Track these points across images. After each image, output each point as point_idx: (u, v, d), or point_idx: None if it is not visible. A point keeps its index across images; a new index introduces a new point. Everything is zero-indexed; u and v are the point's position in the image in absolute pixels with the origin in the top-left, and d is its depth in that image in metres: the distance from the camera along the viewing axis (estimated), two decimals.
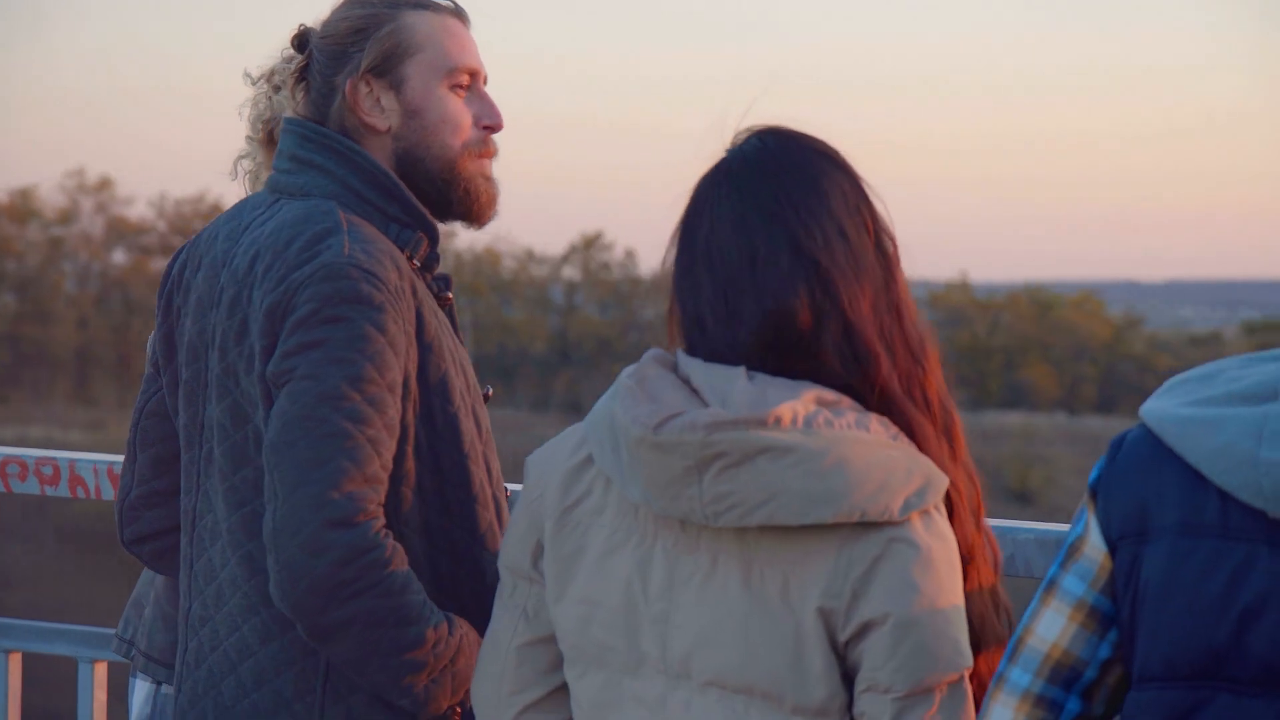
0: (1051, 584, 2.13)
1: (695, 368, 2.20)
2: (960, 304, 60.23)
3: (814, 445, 2.10)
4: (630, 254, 54.89)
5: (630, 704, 2.22)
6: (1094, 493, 2.11)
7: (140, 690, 3.01)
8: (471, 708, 2.37)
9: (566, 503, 2.26)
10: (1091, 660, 2.11)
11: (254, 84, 2.96)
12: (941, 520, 2.16)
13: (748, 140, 2.25)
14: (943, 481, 2.16)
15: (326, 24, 2.58)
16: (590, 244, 56.46)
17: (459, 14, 2.61)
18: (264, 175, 2.91)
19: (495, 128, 2.59)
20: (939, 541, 2.14)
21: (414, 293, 2.49)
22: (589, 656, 2.25)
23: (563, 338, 52.64)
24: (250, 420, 2.48)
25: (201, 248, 2.61)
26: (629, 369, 2.24)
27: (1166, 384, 2.13)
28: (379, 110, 2.55)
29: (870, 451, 2.13)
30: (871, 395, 2.18)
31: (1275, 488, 1.98)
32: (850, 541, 2.13)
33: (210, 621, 2.53)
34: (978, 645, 2.20)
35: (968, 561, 2.20)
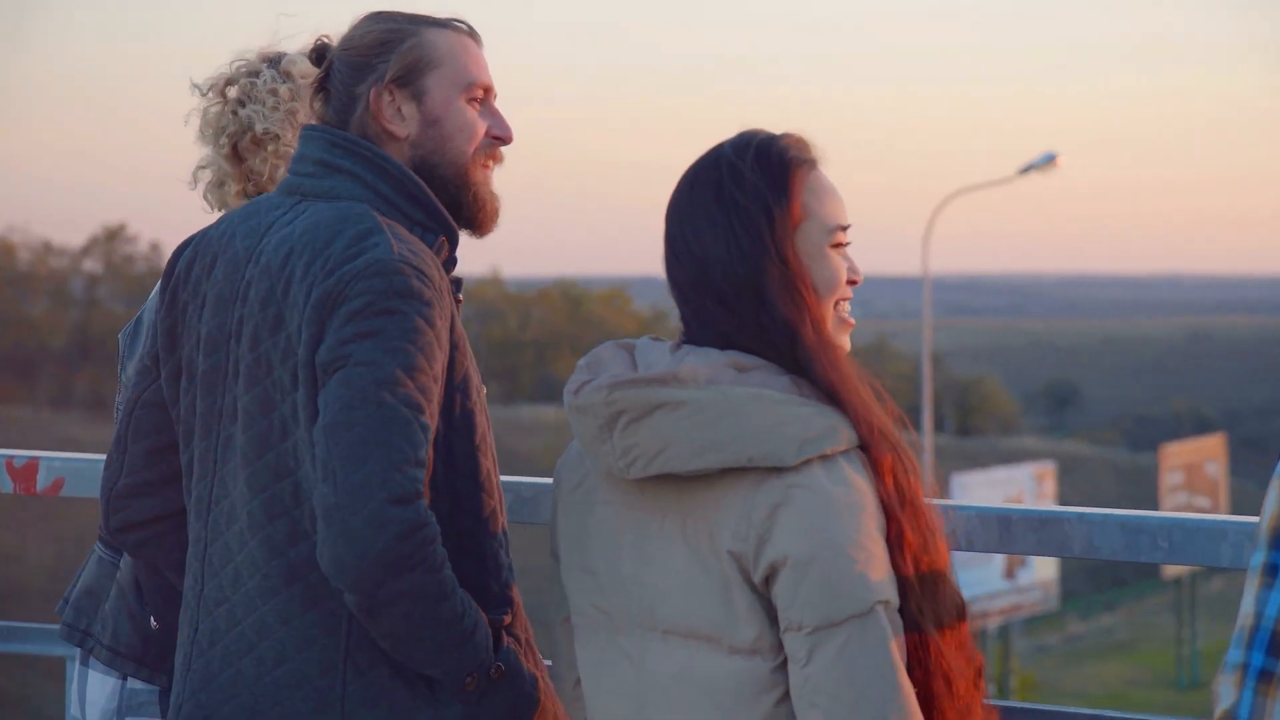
0: (1263, 568, 2.25)
1: (643, 345, 2.45)
2: (492, 299, 60.95)
3: (705, 399, 2.31)
4: (155, 246, 53.53)
5: (618, 658, 2.44)
6: None
7: (100, 684, 3.12)
8: (484, 676, 2.58)
9: (572, 484, 2.52)
10: None
11: (203, 94, 3.16)
12: (849, 469, 2.32)
13: (720, 144, 2.46)
14: (845, 432, 2.33)
15: (349, 38, 2.75)
16: (113, 236, 54.79)
17: (474, 34, 2.79)
18: (232, 186, 3.15)
19: (505, 140, 2.77)
20: (841, 487, 2.30)
21: (447, 291, 2.65)
22: (590, 622, 2.48)
23: (84, 332, 50.92)
24: (277, 408, 2.61)
25: (214, 245, 2.74)
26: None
27: None
28: (400, 118, 2.71)
29: (768, 406, 2.31)
30: (799, 368, 2.37)
31: None
32: (754, 489, 2.31)
33: (227, 603, 2.65)
34: (937, 610, 2.34)
35: (901, 507, 2.34)
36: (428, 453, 2.53)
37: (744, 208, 2.41)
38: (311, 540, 2.59)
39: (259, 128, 3.18)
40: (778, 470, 2.31)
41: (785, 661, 2.32)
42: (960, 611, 2.37)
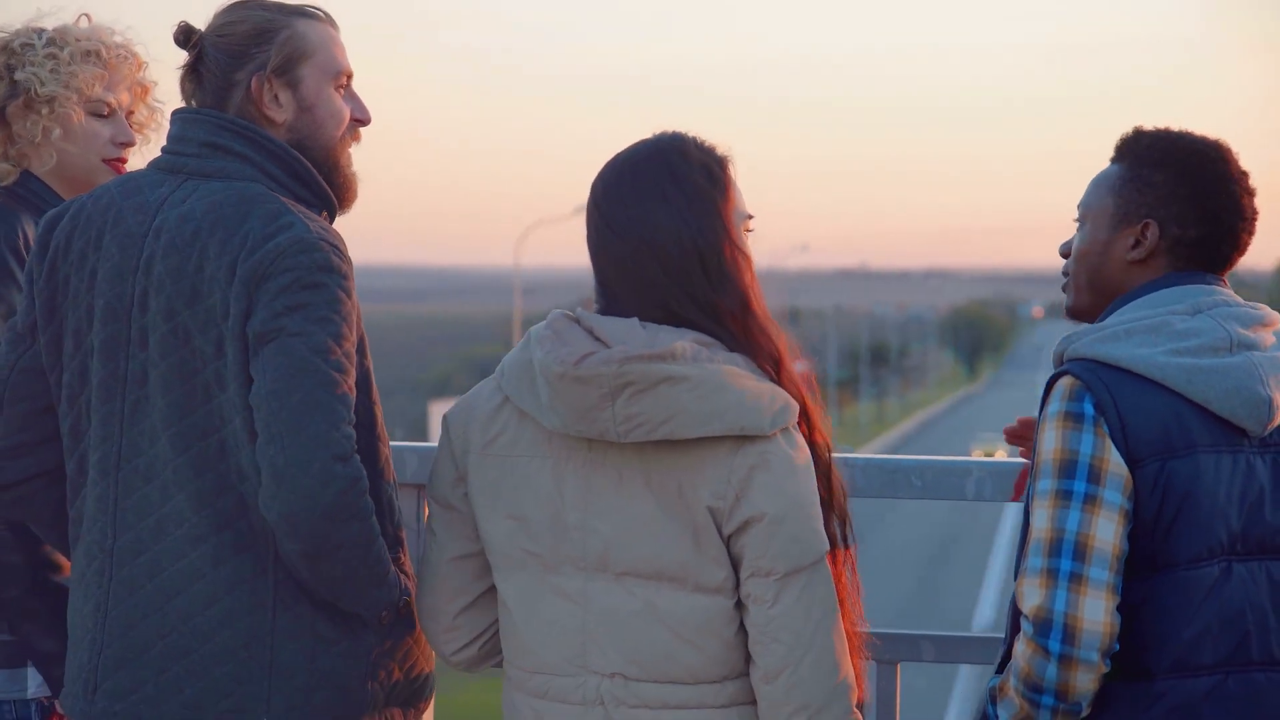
0: (1091, 497, 2.70)
1: (596, 320, 2.67)
2: None
3: (702, 375, 2.60)
4: None
5: (549, 594, 2.70)
6: (1096, 422, 2.71)
7: None
8: (393, 610, 2.84)
9: (487, 439, 2.74)
10: (1125, 550, 2.70)
11: None
12: (798, 436, 2.67)
13: (649, 139, 2.73)
14: (794, 406, 2.67)
15: (223, 25, 2.91)
16: None
17: (334, 23, 2.98)
18: None
19: (366, 122, 2.98)
20: (798, 451, 2.66)
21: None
22: (514, 562, 2.73)
23: None
24: (199, 374, 2.79)
25: (96, 219, 2.89)
26: (540, 325, 2.71)
27: (1107, 334, 2.78)
28: (277, 105, 2.91)
29: (742, 380, 2.62)
30: (734, 341, 2.68)
31: (1268, 416, 2.75)
32: (732, 453, 2.62)
33: (148, 553, 2.82)
34: (833, 545, 2.70)
35: (826, 476, 2.71)
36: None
37: (700, 188, 2.67)
38: (238, 491, 2.79)
39: (38, 90, 3.26)
40: (750, 438, 2.62)
41: (739, 601, 2.65)
42: (844, 536, 2.76)
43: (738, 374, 2.63)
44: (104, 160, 3.35)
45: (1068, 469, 2.70)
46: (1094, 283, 2.92)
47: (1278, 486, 2.77)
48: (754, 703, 2.69)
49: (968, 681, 27.37)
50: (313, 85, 2.92)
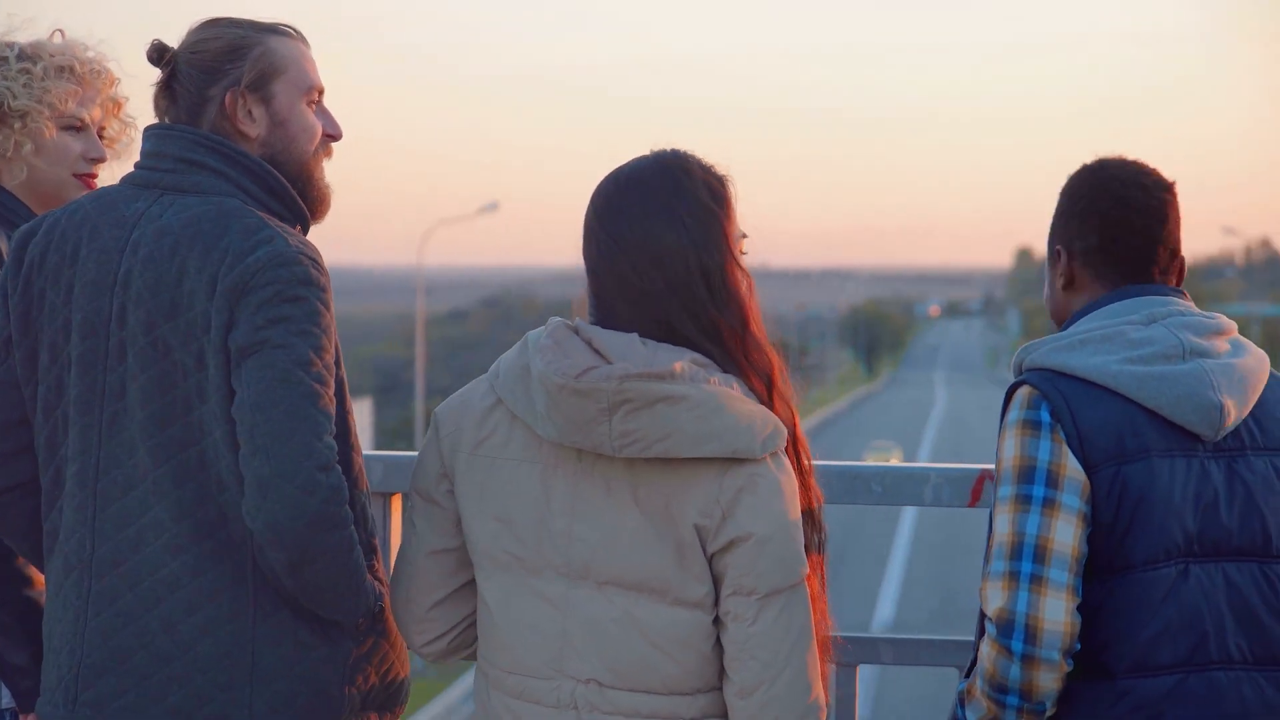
0: (1050, 501, 2.81)
1: (596, 333, 2.70)
2: None
3: (699, 396, 2.64)
4: None
5: (530, 597, 2.74)
6: (1053, 429, 2.82)
7: None
8: (370, 616, 2.90)
9: (478, 439, 2.77)
10: (1084, 553, 2.81)
11: None
12: (786, 459, 2.73)
13: (651, 155, 2.77)
14: (784, 430, 2.72)
15: (196, 43, 2.95)
16: None
17: (305, 40, 3.04)
18: None
19: (337, 137, 3.02)
20: (785, 475, 2.71)
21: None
22: (497, 563, 2.76)
23: None
24: (178, 386, 2.83)
25: (71, 235, 2.92)
26: (538, 332, 2.74)
27: (1064, 344, 2.90)
28: (250, 120, 2.95)
29: (736, 403, 2.67)
30: (728, 361, 2.72)
31: (1219, 421, 2.84)
32: (722, 474, 2.67)
33: (126, 563, 2.85)
34: (807, 551, 2.74)
35: (806, 488, 2.76)
36: None
37: (705, 207, 2.72)
38: (217, 502, 2.83)
39: (10, 104, 3.29)
40: (740, 460, 2.66)
41: (718, 617, 2.70)
42: (821, 549, 2.82)
43: (732, 396, 2.67)
44: (75, 175, 3.38)
45: (1027, 474, 2.81)
46: (1056, 323, 3.07)
47: (1232, 490, 2.85)
48: (724, 716, 2.74)
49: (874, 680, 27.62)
50: (285, 100, 2.96)
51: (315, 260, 2.85)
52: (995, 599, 2.79)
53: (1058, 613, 2.76)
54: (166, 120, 2.99)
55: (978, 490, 3.43)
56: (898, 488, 3.47)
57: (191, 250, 2.84)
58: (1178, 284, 3.02)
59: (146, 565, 2.84)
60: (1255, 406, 2.91)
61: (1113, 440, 2.82)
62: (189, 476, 2.83)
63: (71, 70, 3.35)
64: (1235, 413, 2.86)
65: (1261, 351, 2.94)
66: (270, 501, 2.73)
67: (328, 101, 3.04)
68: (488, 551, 2.78)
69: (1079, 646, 2.81)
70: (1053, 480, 2.80)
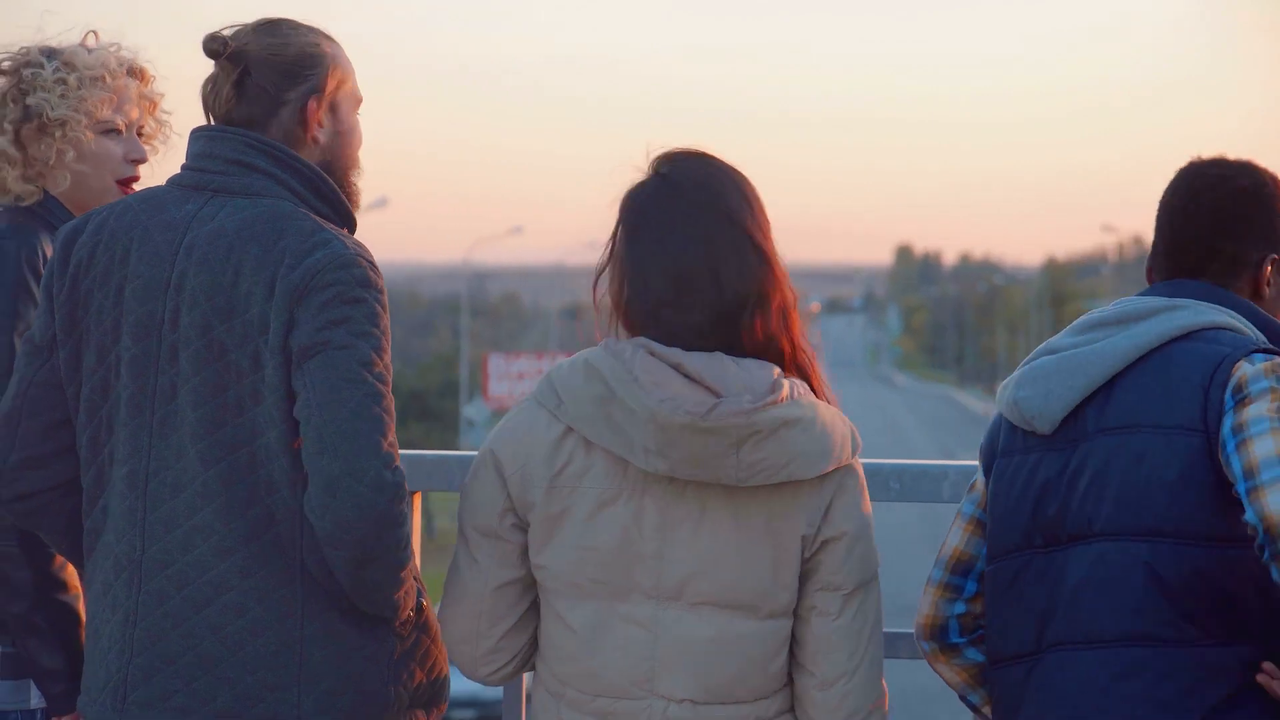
0: (960, 511, 3.03)
1: (681, 356, 2.68)
2: None
3: (810, 415, 2.70)
4: None
5: (620, 622, 2.76)
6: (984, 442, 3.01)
7: None
8: (415, 613, 2.93)
9: (552, 471, 2.76)
10: (980, 555, 2.98)
11: None
12: (859, 463, 2.81)
13: (683, 160, 2.78)
14: (855, 429, 2.81)
15: (271, 45, 2.97)
16: None
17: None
18: (11, 171, 3.32)
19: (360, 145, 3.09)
20: (862, 475, 2.82)
21: None
22: (582, 591, 2.77)
23: None
24: (231, 388, 2.84)
25: (122, 236, 2.93)
26: (600, 356, 2.71)
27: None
28: (320, 127, 3.00)
29: (830, 414, 2.75)
30: (787, 365, 2.77)
31: (1029, 415, 2.90)
32: (822, 482, 2.75)
33: (174, 565, 2.87)
34: None
35: None
36: None
37: (758, 224, 2.75)
38: (266, 503, 2.84)
39: (49, 114, 3.30)
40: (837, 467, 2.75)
41: (796, 613, 2.76)
42: None
43: (824, 406, 2.75)
44: (118, 181, 3.41)
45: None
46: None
47: (1067, 482, 2.85)
48: (792, 710, 2.81)
49: None
50: (346, 110, 3.03)
51: (371, 263, 2.88)
52: (923, 606, 3.07)
53: (925, 606, 3.02)
54: (222, 115, 2.99)
55: None
56: (915, 485, 3.49)
57: (247, 252, 2.86)
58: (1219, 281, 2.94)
59: (195, 567, 2.86)
60: (1115, 388, 2.85)
61: (988, 444, 3.01)
62: (238, 479, 2.85)
63: (103, 80, 3.37)
64: (1061, 405, 2.87)
65: (1157, 328, 2.86)
66: (339, 500, 2.75)
67: None
68: (570, 579, 2.78)
69: (957, 639, 3.01)
70: (970, 489, 3.04)
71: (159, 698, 2.87)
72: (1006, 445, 2.96)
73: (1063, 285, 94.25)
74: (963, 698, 3.09)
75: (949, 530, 3.02)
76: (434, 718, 3.02)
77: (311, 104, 2.98)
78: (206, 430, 2.86)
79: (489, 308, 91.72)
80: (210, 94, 3.00)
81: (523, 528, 2.81)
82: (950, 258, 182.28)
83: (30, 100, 3.32)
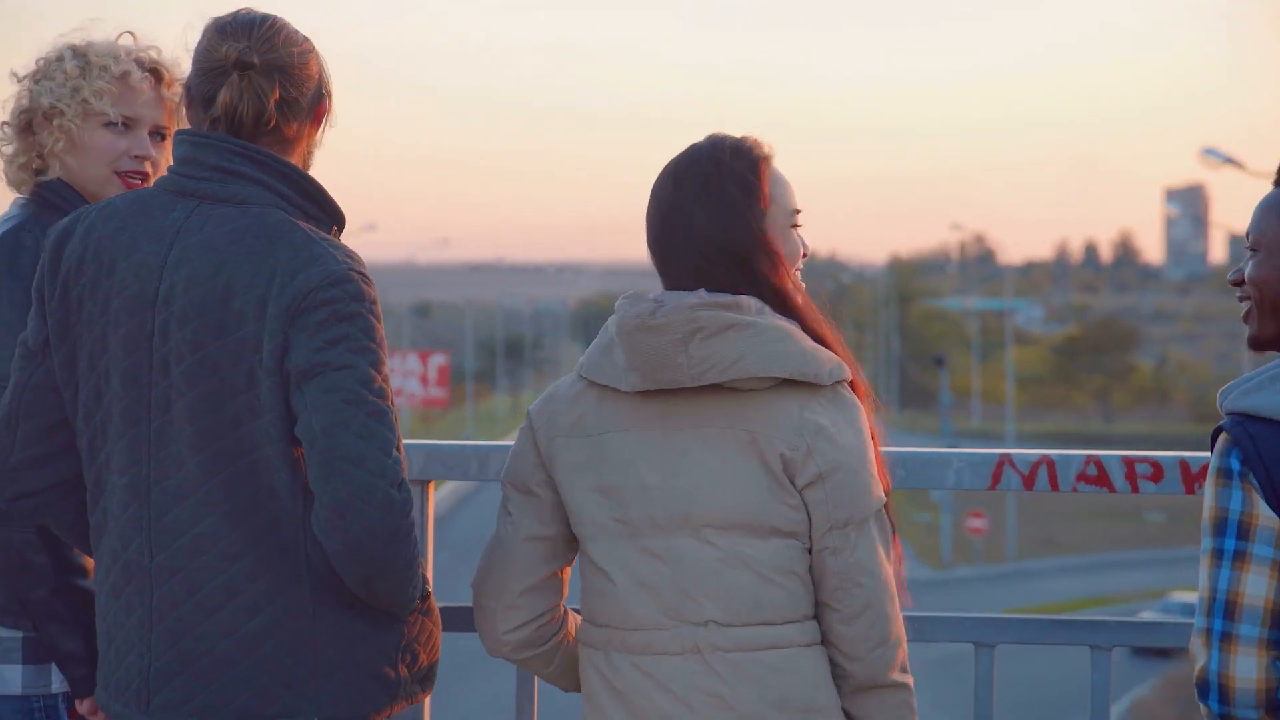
0: (1241, 554, 2.72)
1: (664, 294, 2.90)
2: None
3: (765, 324, 2.84)
4: None
5: (641, 555, 2.89)
6: (1244, 476, 2.72)
7: None
8: (421, 603, 2.98)
9: (571, 421, 2.94)
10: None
11: (19, 81, 3.36)
12: (852, 395, 2.89)
13: (693, 147, 2.95)
14: (846, 366, 2.89)
15: (281, 47, 2.94)
16: None
17: None
18: (19, 159, 3.34)
19: None
20: (856, 407, 2.88)
21: None
22: (608, 531, 2.92)
23: None
24: (227, 404, 2.84)
25: (109, 245, 2.92)
26: (617, 308, 2.91)
27: (1252, 384, 2.78)
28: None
29: (800, 336, 2.86)
30: (786, 310, 2.90)
31: None
32: (801, 408, 2.84)
33: (182, 571, 2.89)
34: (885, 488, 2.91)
35: (874, 433, 2.92)
36: None
37: (731, 196, 2.88)
38: (268, 509, 2.86)
39: (45, 102, 3.30)
40: (815, 387, 2.84)
41: (812, 549, 2.84)
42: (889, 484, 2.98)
43: (795, 330, 2.86)
44: (118, 173, 3.34)
45: (1220, 527, 2.74)
46: (1278, 311, 2.88)
47: None
48: (825, 644, 2.88)
49: None
50: (331, 110, 3.05)
51: (363, 273, 2.87)
52: (1197, 658, 2.76)
53: (1249, 669, 2.71)
54: (253, 128, 2.94)
55: (998, 474, 3.47)
56: (921, 471, 3.48)
57: (238, 268, 2.84)
58: None
59: (204, 572, 2.89)
60: None
61: (1258, 472, 2.71)
62: (240, 487, 2.86)
63: (108, 69, 3.33)
64: None
65: None
66: (349, 522, 2.79)
67: None
68: (598, 521, 2.92)
69: None
70: (1244, 531, 2.73)
71: (182, 699, 2.91)
72: None
73: (909, 283, 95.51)
74: None
75: (1236, 579, 2.74)
76: (428, 694, 3.09)
77: (319, 110, 3.01)
78: (205, 442, 2.87)
79: None
80: (246, 106, 2.92)
81: (554, 486, 2.97)
82: None
83: (35, 89, 3.34)
